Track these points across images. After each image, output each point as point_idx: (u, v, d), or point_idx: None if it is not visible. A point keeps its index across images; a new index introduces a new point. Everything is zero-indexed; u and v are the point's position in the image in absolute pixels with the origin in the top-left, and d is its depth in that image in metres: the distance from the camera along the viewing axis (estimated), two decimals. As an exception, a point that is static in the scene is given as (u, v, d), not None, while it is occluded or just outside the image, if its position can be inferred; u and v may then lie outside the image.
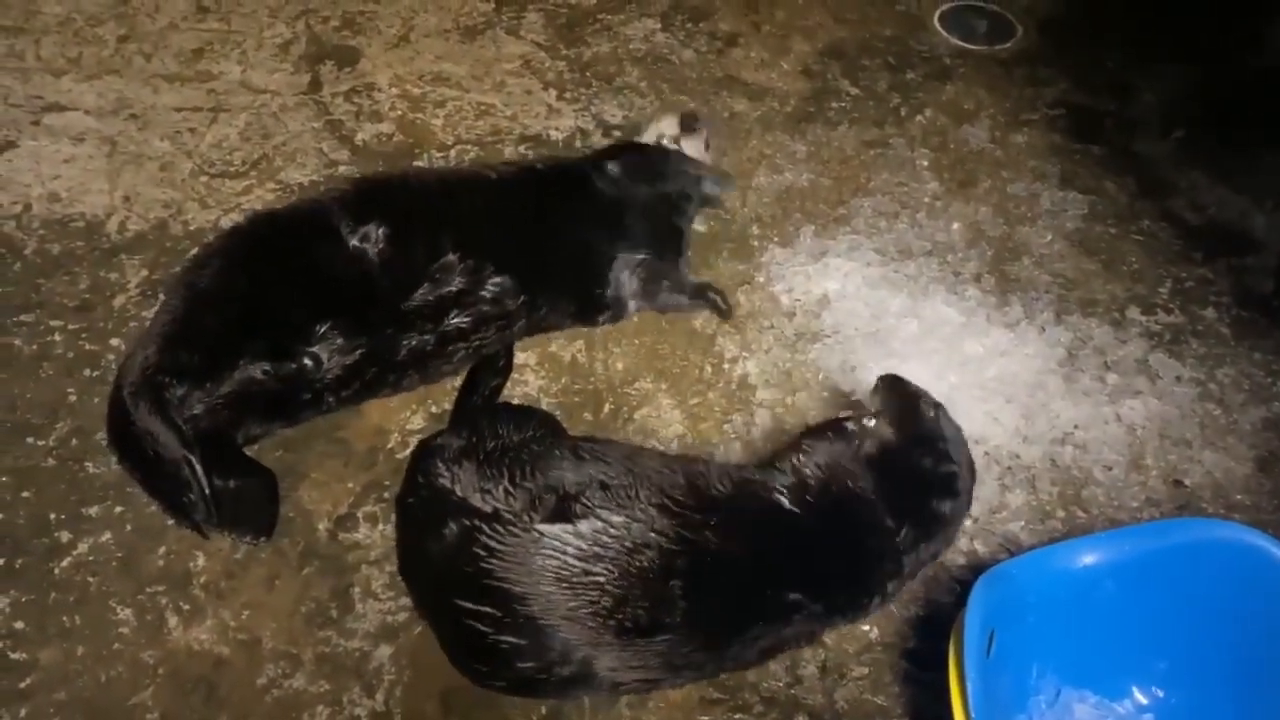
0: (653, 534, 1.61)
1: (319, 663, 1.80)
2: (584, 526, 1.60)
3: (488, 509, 1.63)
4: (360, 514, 2.00)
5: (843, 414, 2.05)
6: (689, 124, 2.55)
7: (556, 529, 1.59)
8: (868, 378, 2.30)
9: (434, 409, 2.18)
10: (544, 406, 2.21)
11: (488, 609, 1.58)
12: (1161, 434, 2.27)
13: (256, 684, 1.76)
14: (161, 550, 1.91)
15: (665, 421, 2.22)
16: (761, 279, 2.54)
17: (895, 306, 2.48)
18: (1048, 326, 2.47)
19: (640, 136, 2.62)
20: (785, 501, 1.74)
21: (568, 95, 3.01)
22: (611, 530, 1.60)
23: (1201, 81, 3.24)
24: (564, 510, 1.62)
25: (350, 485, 2.04)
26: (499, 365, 2.23)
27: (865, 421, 1.92)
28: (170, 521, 1.94)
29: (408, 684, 1.78)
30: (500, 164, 2.46)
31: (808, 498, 1.74)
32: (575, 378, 2.29)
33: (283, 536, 1.95)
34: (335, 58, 3.04)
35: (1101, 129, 3.07)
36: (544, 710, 1.75)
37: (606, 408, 2.24)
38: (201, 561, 1.90)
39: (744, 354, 2.37)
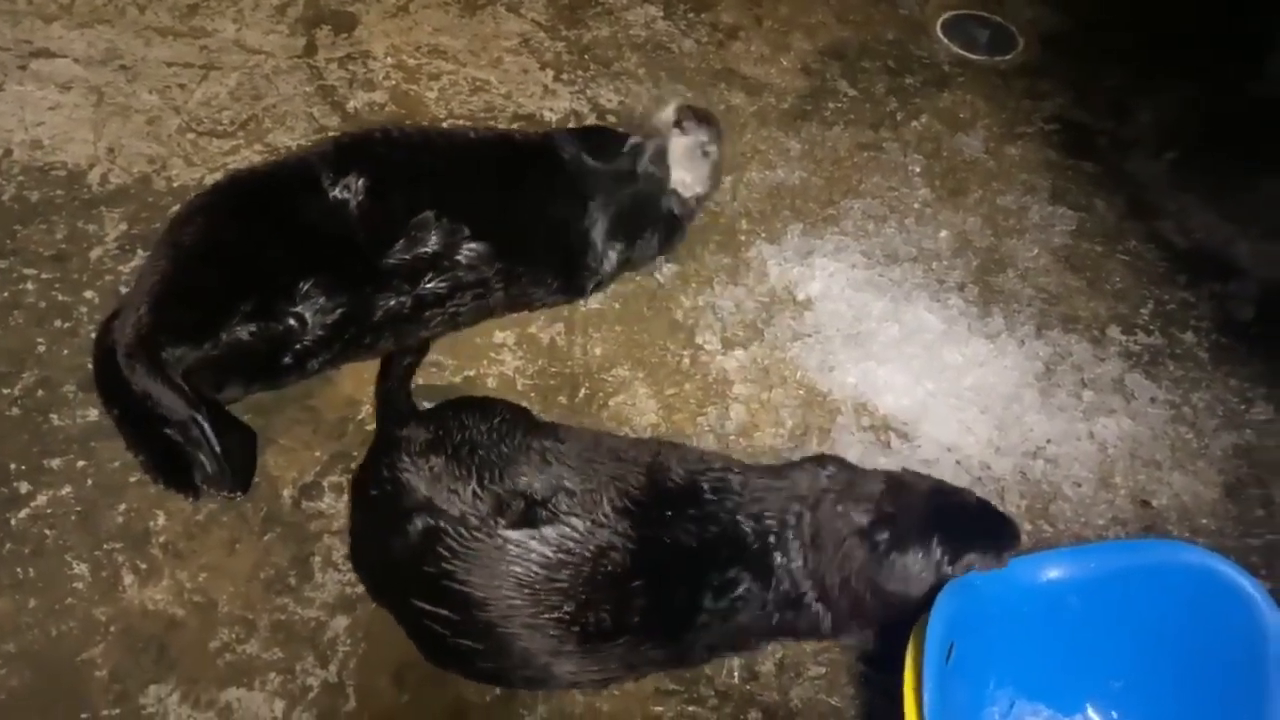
0: (616, 537, 1.61)
1: (274, 630, 1.78)
2: (549, 532, 1.60)
3: (454, 511, 1.62)
4: (326, 483, 1.98)
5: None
6: (683, 122, 2.43)
7: (522, 535, 1.59)
8: (845, 379, 2.31)
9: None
10: (519, 388, 2.20)
11: (445, 612, 1.58)
12: (1132, 454, 2.28)
13: (209, 647, 1.75)
14: (122, 507, 1.89)
15: (640, 410, 2.21)
16: (746, 274, 2.53)
17: (877, 310, 2.48)
18: (1028, 340, 2.47)
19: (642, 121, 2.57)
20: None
21: (564, 77, 2.99)
22: (576, 536, 1.60)
23: (1198, 106, 3.25)
24: (531, 516, 1.61)
25: (318, 454, 2.03)
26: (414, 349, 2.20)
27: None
28: (134, 479, 1.92)
29: (362, 657, 1.77)
30: (480, 127, 2.46)
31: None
32: (553, 360, 2.27)
33: (246, 501, 1.93)
34: (332, 23, 3.00)
35: (1095, 147, 3.07)
36: (497, 690, 1.74)
37: (582, 393, 2.22)
38: (161, 521, 1.88)
39: (723, 347, 2.36)
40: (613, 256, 2.33)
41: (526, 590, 1.56)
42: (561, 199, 2.29)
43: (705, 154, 2.44)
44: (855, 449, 2.17)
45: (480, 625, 1.57)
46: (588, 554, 1.59)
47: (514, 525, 1.60)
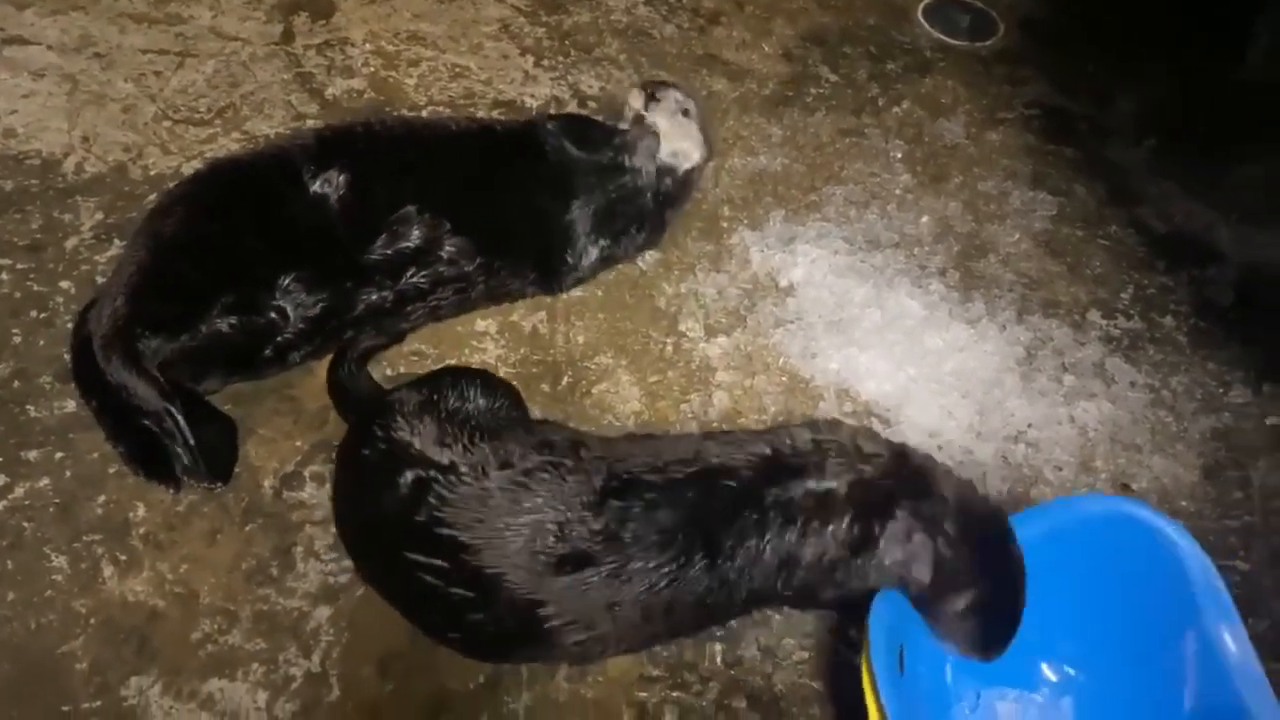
0: (598, 477, 1.64)
1: (256, 620, 1.77)
2: (529, 464, 1.65)
3: (445, 461, 1.64)
4: (307, 473, 1.97)
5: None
6: (654, 92, 2.44)
7: (506, 477, 1.62)
8: (828, 365, 2.32)
9: (389, 371, 2.16)
10: (502, 376, 2.18)
11: (438, 561, 1.59)
12: (1113, 437, 2.29)
13: (191, 638, 1.74)
14: (101, 499, 1.88)
15: (623, 398, 2.21)
16: (729, 261, 2.52)
17: (859, 296, 2.48)
18: (1008, 325, 2.48)
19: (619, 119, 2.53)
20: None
21: (545, 63, 2.98)
22: (552, 467, 1.64)
23: (1179, 92, 3.26)
24: (510, 460, 1.65)
25: (299, 444, 2.02)
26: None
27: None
28: (113, 470, 1.90)
29: (345, 646, 1.76)
30: (462, 117, 2.45)
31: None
32: (535, 349, 2.27)
33: (227, 492, 1.92)
34: (309, 9, 2.97)
35: (1076, 132, 3.08)
36: (481, 679, 1.74)
37: (565, 381, 2.22)
38: (141, 512, 1.87)
39: (706, 334, 2.36)
40: (593, 253, 2.33)
41: (510, 531, 1.58)
42: (543, 193, 2.27)
43: (686, 113, 2.43)
44: (838, 435, 2.17)
45: (469, 572, 1.57)
46: (562, 477, 1.64)
47: (499, 468, 1.64)
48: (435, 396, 1.79)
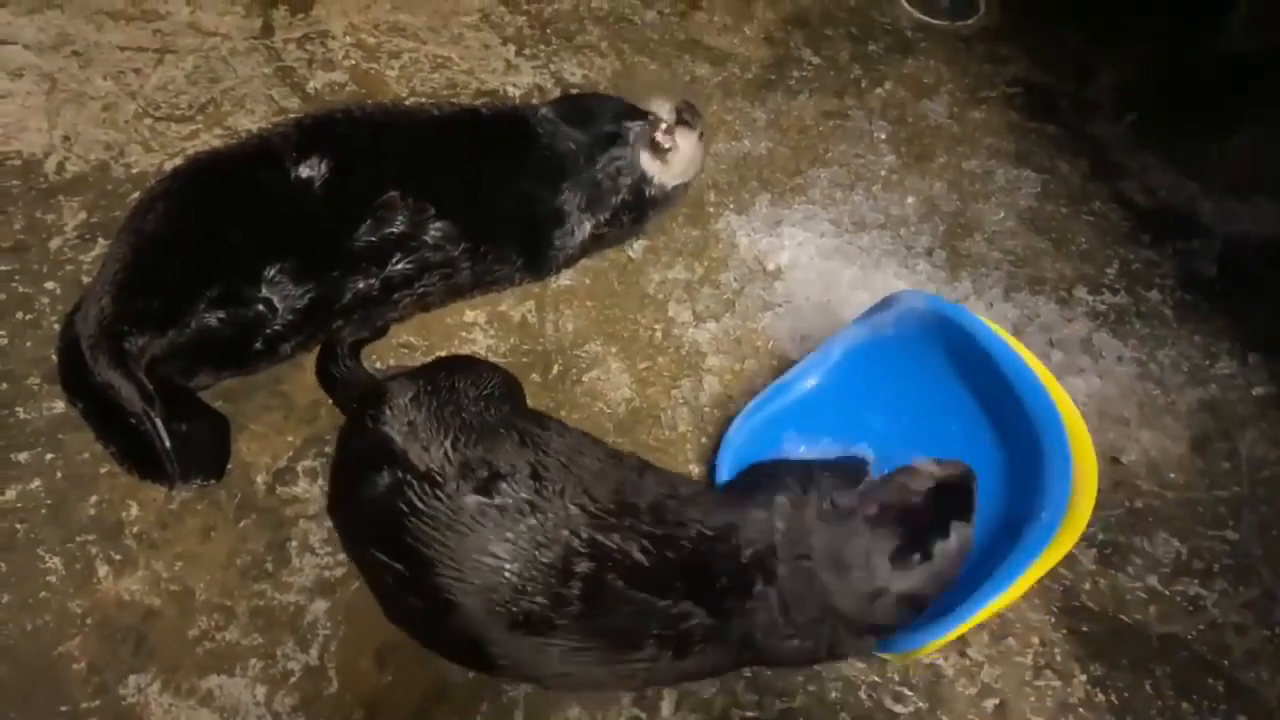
0: (565, 531, 1.56)
1: (253, 616, 1.78)
2: (507, 504, 1.57)
3: (422, 467, 1.61)
4: (300, 468, 1.97)
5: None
6: (686, 114, 2.44)
7: (477, 503, 1.56)
8: (817, 347, 2.32)
9: (379, 364, 2.15)
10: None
11: (399, 566, 1.57)
12: (1101, 411, 2.31)
13: (188, 635, 1.74)
14: (93, 499, 1.87)
15: (614, 385, 2.21)
16: (715, 246, 2.53)
17: (847, 278, 2.49)
18: (995, 302, 2.49)
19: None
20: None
21: (527, 51, 2.96)
22: (530, 520, 1.56)
23: (1159, 65, 3.26)
24: (491, 487, 1.58)
25: (290, 439, 2.01)
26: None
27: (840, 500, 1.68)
28: (104, 469, 1.90)
29: (343, 639, 1.77)
30: (444, 102, 2.43)
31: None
32: (524, 338, 2.27)
33: (219, 488, 1.92)
34: (288, 2, 2.95)
35: (1058, 109, 3.09)
36: (480, 668, 1.75)
37: (555, 369, 2.22)
38: (134, 511, 1.87)
39: (695, 320, 2.36)
40: (585, 229, 2.32)
41: (471, 559, 1.53)
42: (530, 175, 2.26)
43: (701, 136, 2.47)
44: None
45: (426, 585, 1.55)
46: (534, 541, 1.55)
47: (473, 491, 1.58)
48: (428, 388, 1.77)
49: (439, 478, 1.59)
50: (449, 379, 1.81)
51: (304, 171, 2.00)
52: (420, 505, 1.57)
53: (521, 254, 2.26)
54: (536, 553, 1.54)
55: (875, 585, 1.56)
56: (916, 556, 1.56)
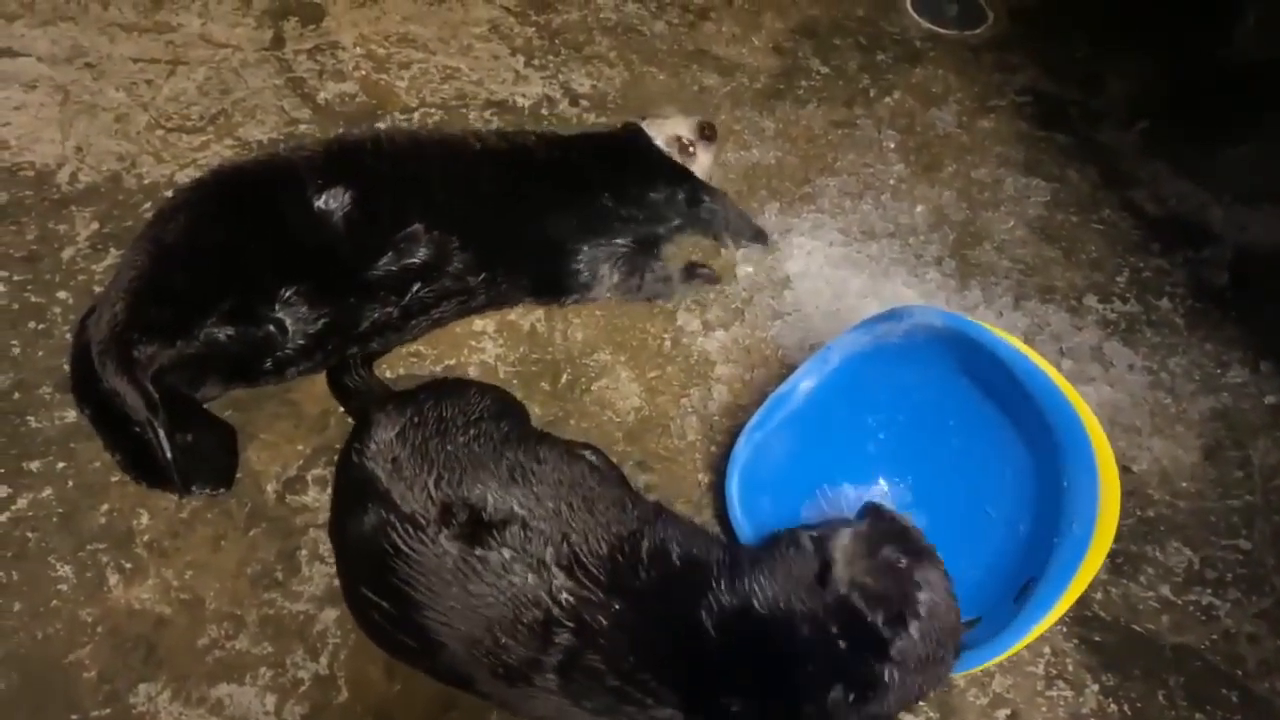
0: (546, 597, 1.52)
1: (263, 624, 1.78)
2: (488, 558, 1.54)
3: (405, 509, 1.59)
4: (309, 477, 1.97)
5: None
6: (708, 132, 2.50)
7: (460, 550, 1.54)
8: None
9: (389, 373, 2.16)
10: (501, 375, 2.19)
11: (387, 605, 1.57)
12: (1112, 420, 2.30)
13: (198, 644, 1.74)
14: (104, 507, 1.88)
15: (623, 393, 2.21)
16: (724, 255, 2.53)
17: (856, 286, 2.49)
18: (1005, 311, 2.49)
19: (644, 126, 2.53)
20: (705, 620, 1.53)
21: (536, 62, 2.98)
22: (512, 578, 1.53)
23: (1168, 74, 3.27)
24: (474, 535, 1.56)
25: (300, 448, 2.02)
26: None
27: (834, 544, 1.60)
28: (115, 478, 1.90)
29: (352, 648, 1.76)
30: (486, 133, 2.38)
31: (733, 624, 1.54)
32: (533, 347, 2.27)
33: (230, 497, 1.92)
34: (299, 14, 2.97)
35: (1067, 118, 3.09)
36: (489, 677, 1.74)
37: (564, 378, 2.22)
38: (145, 520, 1.87)
39: (704, 329, 2.36)
40: (602, 287, 2.33)
41: (455, 605, 1.52)
42: (567, 222, 2.26)
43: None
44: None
45: (414, 624, 1.54)
46: (516, 599, 1.52)
47: (455, 538, 1.55)
48: (414, 420, 1.74)
49: (422, 520, 1.58)
50: (436, 408, 1.77)
51: (327, 203, 1.98)
52: (404, 548, 1.56)
53: (537, 284, 2.28)
54: (517, 612, 1.51)
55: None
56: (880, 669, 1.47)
